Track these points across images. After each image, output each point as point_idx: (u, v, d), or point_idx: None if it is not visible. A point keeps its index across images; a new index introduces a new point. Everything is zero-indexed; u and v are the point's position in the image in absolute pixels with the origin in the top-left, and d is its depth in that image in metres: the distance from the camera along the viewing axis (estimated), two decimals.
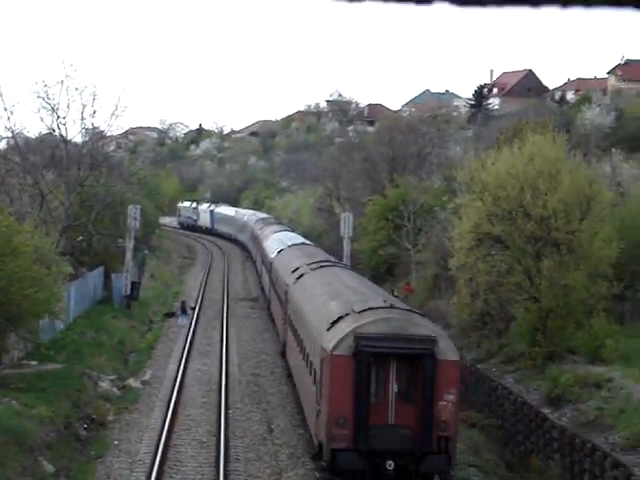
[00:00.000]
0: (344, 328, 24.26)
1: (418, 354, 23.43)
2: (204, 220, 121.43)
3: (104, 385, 35.79)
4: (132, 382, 37.30)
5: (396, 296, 30.21)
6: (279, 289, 44.16)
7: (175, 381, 37.03)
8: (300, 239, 60.32)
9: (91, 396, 33.61)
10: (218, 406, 33.41)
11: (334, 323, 25.16)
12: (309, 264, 39.99)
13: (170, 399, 33.91)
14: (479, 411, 35.04)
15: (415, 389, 23.64)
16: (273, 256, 52.78)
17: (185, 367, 40.14)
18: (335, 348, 23.64)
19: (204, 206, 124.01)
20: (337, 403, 23.43)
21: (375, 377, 23.70)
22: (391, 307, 25.36)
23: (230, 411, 33.02)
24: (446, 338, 24.86)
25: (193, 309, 55.99)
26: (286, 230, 70.47)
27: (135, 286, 55.43)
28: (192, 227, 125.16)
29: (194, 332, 49.22)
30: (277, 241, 58.15)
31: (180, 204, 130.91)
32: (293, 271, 39.91)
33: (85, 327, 44.59)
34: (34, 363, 35.24)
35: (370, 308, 25.14)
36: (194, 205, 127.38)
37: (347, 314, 25.28)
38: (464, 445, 30.80)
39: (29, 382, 31.56)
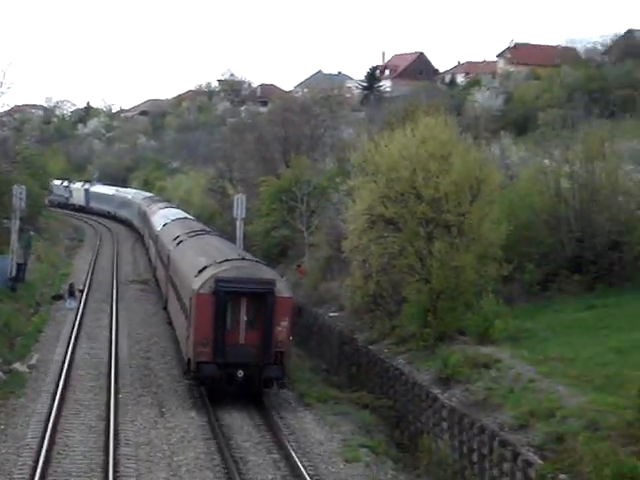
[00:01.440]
0: (207, 274, 32.05)
1: (262, 292, 31.31)
2: (77, 198, 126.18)
3: None
4: (18, 366, 36.42)
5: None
6: (163, 255, 51.37)
7: (63, 365, 36.38)
8: (183, 214, 67.81)
9: None
10: (107, 390, 32.94)
11: (200, 271, 32.92)
12: (187, 233, 48.30)
13: (58, 383, 33.31)
14: (371, 392, 35.18)
15: (259, 318, 31.38)
16: (159, 229, 59.66)
17: (73, 351, 39.45)
18: (200, 288, 31.46)
19: (77, 185, 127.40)
20: (201, 328, 31.22)
21: (230, 309, 31.36)
22: (243, 259, 34.11)
23: (120, 395, 32.58)
24: (283, 281, 33.10)
25: (81, 292, 55.07)
26: (171, 207, 76.89)
27: (21, 268, 54.22)
28: (63, 205, 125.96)
29: (82, 315, 48.42)
30: (162, 216, 65.28)
31: (50, 183, 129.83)
32: (174, 239, 47.70)
33: None
34: None
35: (227, 259, 33.48)
36: (65, 184, 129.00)
37: (210, 264, 32.98)
38: (355, 426, 30.93)
39: None
